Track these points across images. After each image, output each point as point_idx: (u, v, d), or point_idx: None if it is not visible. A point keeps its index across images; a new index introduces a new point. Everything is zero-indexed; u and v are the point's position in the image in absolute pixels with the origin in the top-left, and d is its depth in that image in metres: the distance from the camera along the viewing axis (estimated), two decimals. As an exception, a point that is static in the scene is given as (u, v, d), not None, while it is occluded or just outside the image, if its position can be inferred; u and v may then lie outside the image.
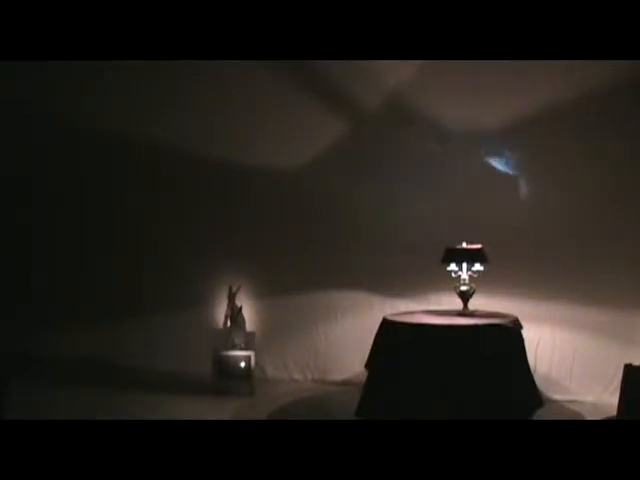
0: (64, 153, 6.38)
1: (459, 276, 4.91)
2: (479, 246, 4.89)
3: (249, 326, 5.78)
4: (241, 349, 5.59)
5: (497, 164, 5.39)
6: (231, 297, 5.79)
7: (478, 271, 4.87)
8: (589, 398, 5.08)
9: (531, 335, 4.99)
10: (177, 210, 6.17)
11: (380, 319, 4.74)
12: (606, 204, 5.14)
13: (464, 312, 4.85)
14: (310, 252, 5.80)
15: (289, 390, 5.52)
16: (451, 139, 5.45)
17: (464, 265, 4.89)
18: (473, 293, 4.90)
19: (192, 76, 5.73)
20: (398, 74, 5.41)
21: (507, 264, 5.08)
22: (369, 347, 4.72)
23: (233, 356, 5.53)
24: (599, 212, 5.14)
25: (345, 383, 5.54)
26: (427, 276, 5.37)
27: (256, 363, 5.60)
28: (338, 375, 5.69)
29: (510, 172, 5.35)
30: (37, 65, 5.07)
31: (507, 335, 4.56)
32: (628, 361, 4.40)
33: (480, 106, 5.31)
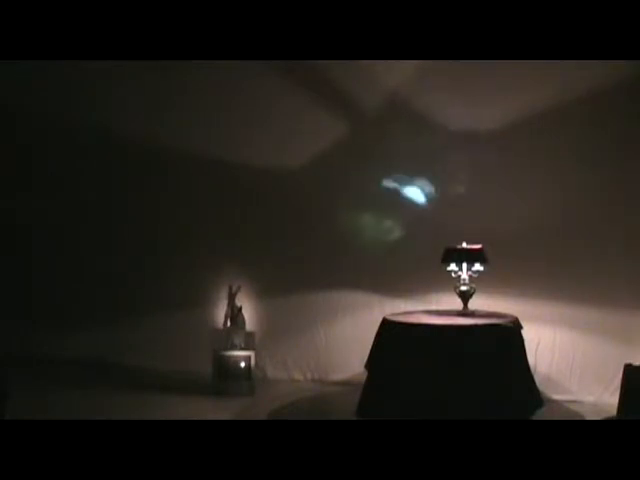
0: (64, 153, 6.39)
1: (459, 276, 4.92)
2: (479, 246, 4.89)
3: (249, 326, 5.78)
4: (241, 349, 5.59)
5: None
6: (231, 297, 5.79)
7: (478, 271, 4.87)
8: (589, 398, 5.08)
9: (531, 335, 4.99)
10: (177, 210, 6.17)
11: (380, 319, 4.74)
12: (606, 204, 5.13)
13: (464, 312, 4.86)
14: (310, 252, 5.80)
15: (289, 390, 5.52)
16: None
17: (464, 265, 4.90)
18: (473, 293, 4.90)
19: (192, 76, 5.74)
20: (398, 74, 5.41)
21: (507, 264, 5.08)
22: (369, 347, 4.72)
23: (233, 356, 5.53)
24: (599, 212, 5.14)
25: (345, 383, 5.53)
26: (427, 276, 5.37)
27: (256, 363, 5.60)
28: (338, 375, 5.69)
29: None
30: (37, 65, 5.07)
31: (507, 335, 4.56)
32: (628, 361, 4.42)
33: (480, 106, 5.31)
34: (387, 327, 4.66)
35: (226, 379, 5.46)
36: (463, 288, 4.89)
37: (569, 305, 5.19)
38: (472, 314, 4.82)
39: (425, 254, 5.25)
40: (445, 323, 4.54)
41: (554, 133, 5.19)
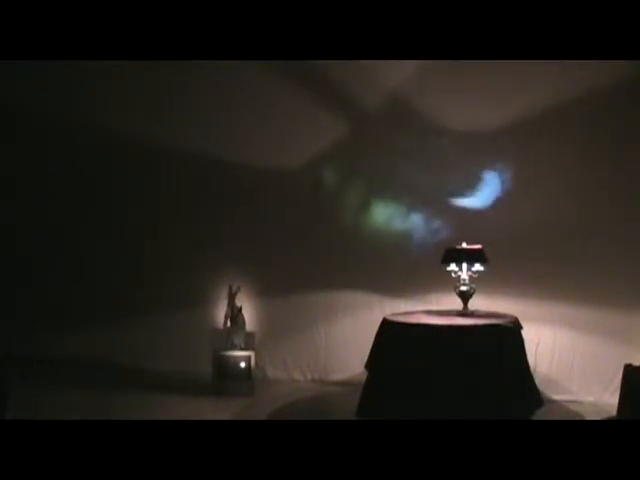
0: (64, 153, 6.39)
1: (459, 276, 4.91)
2: (479, 246, 4.89)
3: (249, 326, 5.78)
4: (241, 349, 5.59)
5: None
6: (231, 297, 5.79)
7: (478, 271, 4.87)
8: (589, 398, 5.08)
9: (531, 335, 4.98)
10: (177, 210, 6.17)
11: (380, 319, 4.74)
12: (606, 204, 5.13)
13: (464, 312, 4.86)
14: (310, 252, 5.80)
15: (289, 390, 5.52)
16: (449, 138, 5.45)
17: (464, 265, 4.90)
18: (473, 293, 4.90)
19: (192, 76, 5.74)
20: (398, 74, 5.41)
21: (507, 264, 5.08)
22: (369, 347, 4.72)
23: (233, 356, 5.53)
24: (599, 212, 5.14)
25: (345, 383, 5.53)
26: (427, 276, 5.37)
27: (256, 363, 5.60)
28: (338, 375, 5.69)
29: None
30: (37, 65, 5.07)
31: (507, 335, 4.56)
32: (628, 361, 4.42)
33: (480, 106, 5.31)
34: (387, 327, 4.66)
35: (226, 379, 5.46)
36: (463, 288, 4.89)
37: (569, 305, 5.19)
38: (472, 314, 4.81)
39: (425, 254, 5.24)
40: (445, 323, 4.54)
41: (554, 133, 5.19)
